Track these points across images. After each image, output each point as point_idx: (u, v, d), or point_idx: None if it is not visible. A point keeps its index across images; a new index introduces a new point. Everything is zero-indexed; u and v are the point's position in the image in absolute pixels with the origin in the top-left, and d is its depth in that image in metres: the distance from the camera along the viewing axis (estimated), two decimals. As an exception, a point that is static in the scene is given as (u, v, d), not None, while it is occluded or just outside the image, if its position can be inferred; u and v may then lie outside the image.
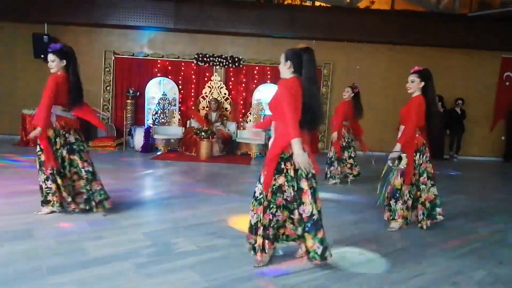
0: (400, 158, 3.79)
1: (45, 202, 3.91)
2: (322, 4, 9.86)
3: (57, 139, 3.84)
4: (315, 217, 2.84)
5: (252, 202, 2.92)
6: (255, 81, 9.68)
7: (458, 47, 9.72)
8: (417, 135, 3.90)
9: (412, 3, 9.56)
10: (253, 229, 2.91)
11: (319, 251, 2.85)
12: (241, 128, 9.40)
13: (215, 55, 9.45)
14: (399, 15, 9.61)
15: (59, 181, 3.82)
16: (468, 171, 8.54)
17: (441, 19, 9.43)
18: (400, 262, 3.23)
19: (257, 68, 9.66)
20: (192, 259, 3.06)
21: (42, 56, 9.11)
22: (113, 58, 9.53)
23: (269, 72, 9.64)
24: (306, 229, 2.85)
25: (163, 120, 9.31)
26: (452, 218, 4.56)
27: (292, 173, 2.82)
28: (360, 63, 9.90)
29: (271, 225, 2.90)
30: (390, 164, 3.88)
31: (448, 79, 9.86)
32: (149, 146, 8.58)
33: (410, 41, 9.49)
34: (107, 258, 3.02)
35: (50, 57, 3.83)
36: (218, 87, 9.53)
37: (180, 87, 9.61)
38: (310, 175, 2.83)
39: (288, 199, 2.88)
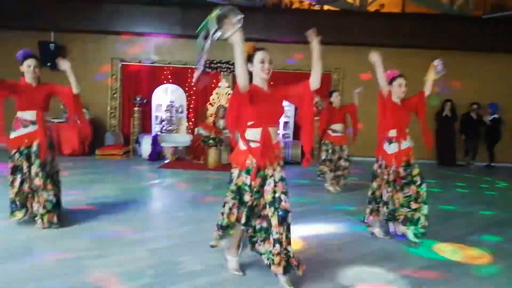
0: None
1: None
2: (331, 8, 9.68)
3: None
4: None
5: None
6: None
7: (472, 50, 9.45)
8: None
9: (424, 5, 9.32)
10: None
11: None
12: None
13: (222, 61, 9.30)
14: (410, 18, 9.39)
15: None
16: (485, 178, 8.22)
17: (454, 22, 9.19)
18: (429, 284, 3.00)
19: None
20: (198, 281, 2.85)
21: (49, 64, 9.05)
22: (120, 65, 9.43)
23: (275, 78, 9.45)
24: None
25: (170, 128, 9.16)
26: (475, 232, 4.31)
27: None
28: (370, 67, 9.66)
29: None
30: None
31: (462, 83, 9.58)
32: (156, 154, 8.44)
33: (422, 44, 9.24)
34: (107, 278, 2.84)
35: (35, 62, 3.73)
36: (226, 94, 9.36)
37: (187, 94, 9.48)
38: None
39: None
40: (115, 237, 3.71)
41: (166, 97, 9.31)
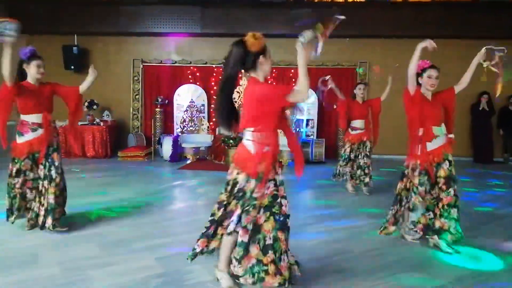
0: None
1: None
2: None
3: None
4: None
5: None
6: (287, 83, 9.20)
7: (507, 38, 8.78)
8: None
9: (455, -8, 8.77)
10: None
11: None
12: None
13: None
14: (439, 6, 8.85)
15: None
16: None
17: (487, 8, 8.58)
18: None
19: (292, 70, 9.09)
20: (205, 293, 2.68)
21: (72, 67, 9.17)
22: (141, 66, 9.42)
23: (300, 74, 9.14)
24: None
25: (191, 128, 9.06)
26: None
27: None
28: (398, 60, 9.19)
29: None
30: None
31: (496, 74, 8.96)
32: (177, 155, 8.35)
33: (453, 34, 8.70)
34: (111, 290, 2.70)
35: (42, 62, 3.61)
36: (247, 92, 9.14)
37: (208, 93, 9.35)
38: None
39: None
40: (124, 244, 3.58)
41: (187, 97, 9.21)
